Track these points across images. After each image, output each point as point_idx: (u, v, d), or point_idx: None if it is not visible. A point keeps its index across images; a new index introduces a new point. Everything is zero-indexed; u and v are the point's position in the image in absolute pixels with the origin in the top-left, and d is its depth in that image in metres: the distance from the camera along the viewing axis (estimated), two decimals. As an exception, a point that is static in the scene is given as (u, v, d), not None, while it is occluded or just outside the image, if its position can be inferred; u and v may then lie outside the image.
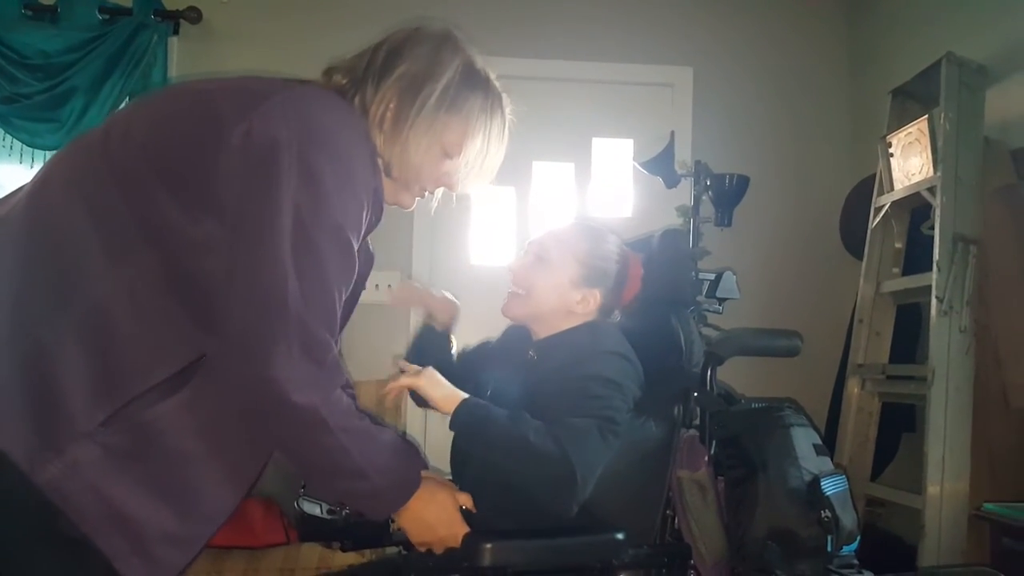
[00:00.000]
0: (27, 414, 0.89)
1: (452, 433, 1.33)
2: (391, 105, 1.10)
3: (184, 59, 3.12)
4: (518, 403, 1.34)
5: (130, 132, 1.01)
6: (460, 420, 1.29)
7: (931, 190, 2.44)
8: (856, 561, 1.44)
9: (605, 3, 3.37)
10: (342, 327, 1.08)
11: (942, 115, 2.42)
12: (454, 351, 1.63)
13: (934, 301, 2.34)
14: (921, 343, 2.61)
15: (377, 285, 3.20)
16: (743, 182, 2.68)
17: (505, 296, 1.51)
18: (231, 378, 0.97)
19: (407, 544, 1.54)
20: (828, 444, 1.89)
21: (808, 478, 1.44)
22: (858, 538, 1.45)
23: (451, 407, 1.29)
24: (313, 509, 1.50)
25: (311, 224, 0.96)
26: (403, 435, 1.18)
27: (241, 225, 0.96)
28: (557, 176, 3.29)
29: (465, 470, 1.44)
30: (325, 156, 0.98)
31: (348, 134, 1.03)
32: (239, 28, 3.16)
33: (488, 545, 1.26)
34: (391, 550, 1.65)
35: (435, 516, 1.22)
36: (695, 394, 1.52)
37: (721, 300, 1.93)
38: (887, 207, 2.72)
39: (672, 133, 2.75)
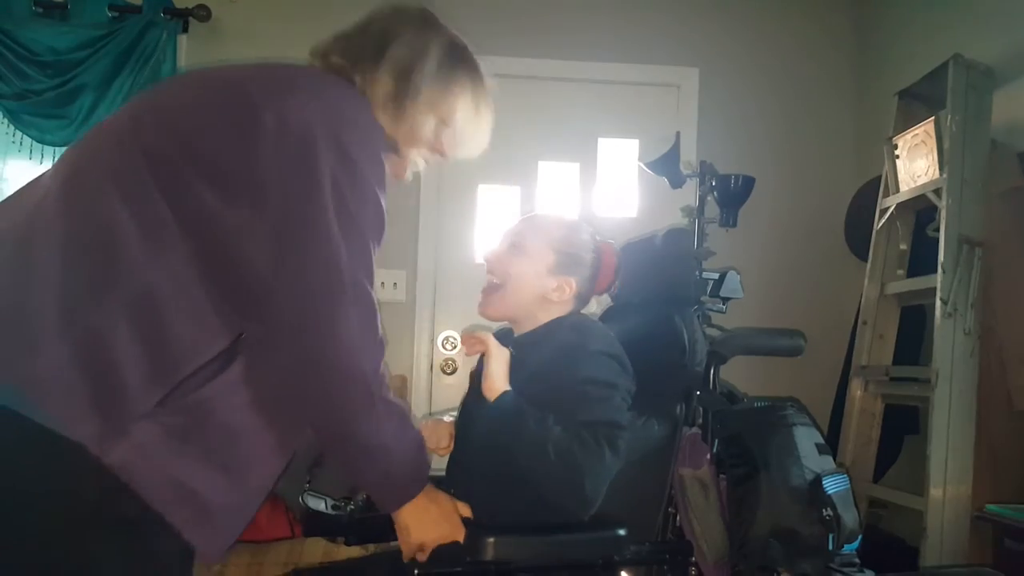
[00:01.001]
0: (90, 400, 0.93)
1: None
2: (389, 88, 1.18)
3: (193, 57, 3.14)
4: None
5: (162, 120, 1.05)
6: (503, 404, 1.33)
7: (937, 192, 2.44)
8: (858, 560, 1.45)
9: (611, 4, 3.37)
10: None
11: (949, 117, 2.42)
12: None
13: (938, 303, 2.34)
14: (925, 345, 2.60)
15: (383, 283, 3.26)
16: (748, 183, 2.67)
17: (480, 294, 1.51)
18: (289, 351, 1.02)
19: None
20: (831, 445, 1.90)
21: (810, 477, 1.44)
22: (859, 537, 1.45)
23: (501, 388, 1.34)
24: (318, 504, 1.51)
25: (351, 197, 1.03)
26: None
27: (286, 204, 1.01)
28: (562, 176, 3.30)
29: (468, 456, 1.47)
30: (355, 135, 1.06)
31: (367, 115, 1.13)
32: (248, 26, 3.18)
33: (491, 539, 1.27)
34: (395, 544, 1.66)
35: (437, 513, 1.25)
36: (698, 393, 1.52)
37: (725, 299, 1.93)
38: (892, 209, 2.71)
39: (678, 134, 2.75)
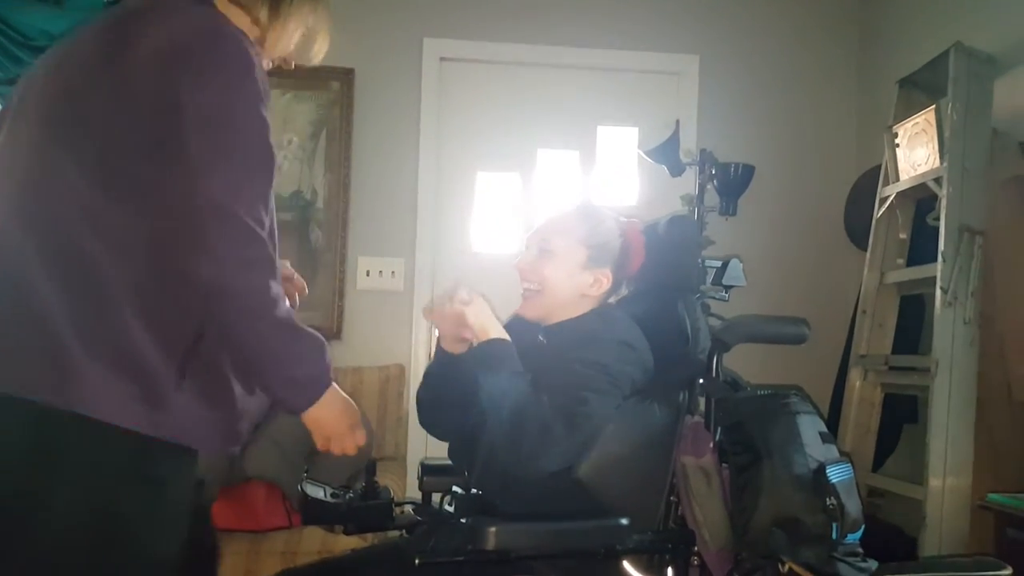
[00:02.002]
0: (138, 397, 1.05)
1: None
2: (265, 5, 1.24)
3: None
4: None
5: (57, 93, 1.11)
6: (482, 350, 1.34)
7: (937, 181, 2.43)
8: (860, 549, 1.44)
9: (612, -10, 3.35)
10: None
11: (949, 105, 2.41)
12: None
13: (938, 292, 2.34)
14: (924, 334, 2.60)
15: (381, 272, 3.24)
16: (748, 171, 2.66)
17: (520, 297, 1.52)
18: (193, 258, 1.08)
19: (410, 528, 1.54)
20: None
21: (814, 465, 1.43)
22: (863, 527, 1.44)
23: (484, 337, 1.35)
24: (317, 492, 1.50)
25: (238, 114, 1.09)
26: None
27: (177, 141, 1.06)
28: (561, 164, 3.27)
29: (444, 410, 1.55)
30: (233, 57, 1.11)
31: (243, 39, 1.17)
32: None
33: (492, 529, 1.26)
34: (393, 534, 1.65)
35: (342, 409, 1.23)
36: (701, 381, 1.51)
37: (727, 288, 1.92)
38: (892, 197, 2.71)
39: (677, 122, 2.74)
